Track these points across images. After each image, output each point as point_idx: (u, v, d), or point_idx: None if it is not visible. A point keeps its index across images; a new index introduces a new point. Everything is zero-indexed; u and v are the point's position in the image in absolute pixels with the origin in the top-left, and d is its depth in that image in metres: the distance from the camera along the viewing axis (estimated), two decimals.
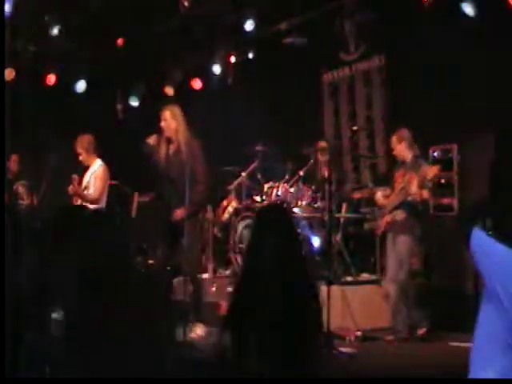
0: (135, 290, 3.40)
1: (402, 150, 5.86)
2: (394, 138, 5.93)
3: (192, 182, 5.63)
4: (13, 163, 7.53)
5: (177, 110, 5.97)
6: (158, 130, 5.92)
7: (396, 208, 5.76)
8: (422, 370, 4.43)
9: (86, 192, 6.41)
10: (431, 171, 5.46)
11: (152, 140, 5.90)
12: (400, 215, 5.71)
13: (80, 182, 6.48)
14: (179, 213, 5.71)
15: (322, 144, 7.39)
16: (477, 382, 2.38)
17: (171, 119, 5.88)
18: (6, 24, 6.75)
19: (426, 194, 5.60)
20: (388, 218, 5.79)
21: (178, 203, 5.71)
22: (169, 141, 5.88)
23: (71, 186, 6.37)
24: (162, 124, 5.89)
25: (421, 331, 5.60)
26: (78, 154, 6.55)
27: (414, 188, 5.54)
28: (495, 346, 2.35)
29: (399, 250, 5.69)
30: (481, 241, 2.36)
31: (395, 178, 5.88)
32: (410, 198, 5.65)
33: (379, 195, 6.02)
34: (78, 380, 4.53)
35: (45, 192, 7.35)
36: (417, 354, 5.16)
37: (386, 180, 7.28)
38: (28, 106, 8.51)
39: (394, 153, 5.96)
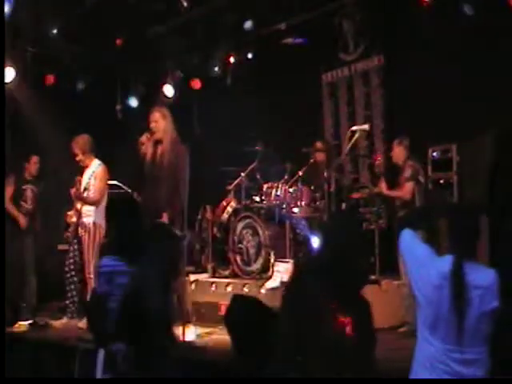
0: None
1: (396, 154, 6.09)
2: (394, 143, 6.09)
3: (175, 185, 5.67)
4: (33, 165, 7.26)
5: (166, 111, 5.98)
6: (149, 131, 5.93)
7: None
8: None
9: (86, 193, 6.40)
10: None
11: (144, 139, 5.91)
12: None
13: (80, 184, 6.47)
14: (163, 217, 5.63)
15: (320, 144, 7.40)
16: (476, 382, 2.42)
17: (161, 120, 5.88)
18: (6, 24, 6.76)
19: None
20: None
21: (160, 206, 5.69)
22: (157, 142, 5.88)
23: (74, 190, 6.36)
24: (152, 125, 5.88)
25: None
26: (75, 155, 6.53)
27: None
28: (418, 339, 2.62)
29: None
30: (408, 240, 2.68)
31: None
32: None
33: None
34: (78, 380, 4.55)
35: (44, 192, 7.34)
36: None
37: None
38: (27, 106, 8.51)
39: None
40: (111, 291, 3.58)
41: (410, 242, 2.68)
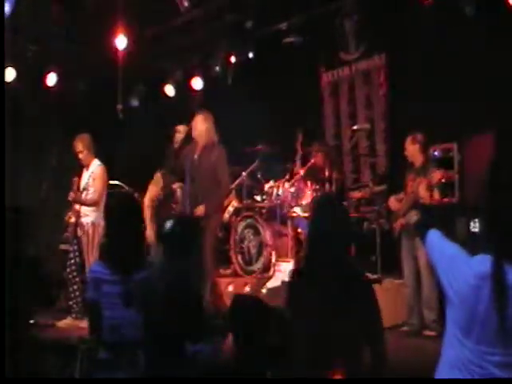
0: None
1: (414, 152, 5.91)
2: (408, 140, 5.96)
3: (214, 184, 5.96)
4: None
5: (208, 114, 6.22)
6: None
7: (408, 211, 5.82)
8: (419, 370, 4.41)
9: (85, 193, 6.39)
10: (435, 176, 5.56)
11: (181, 127, 6.17)
12: (414, 217, 5.74)
13: (78, 183, 6.46)
14: (200, 209, 5.91)
15: (317, 145, 7.38)
16: (478, 382, 2.40)
17: (201, 123, 6.14)
18: (6, 24, 6.76)
19: (436, 196, 5.68)
20: (402, 220, 5.86)
21: (197, 202, 5.94)
22: (196, 143, 6.14)
23: (71, 193, 6.36)
24: (193, 126, 6.14)
25: (429, 333, 5.64)
26: (78, 153, 6.51)
27: (422, 191, 5.62)
28: (446, 339, 2.54)
29: (416, 250, 5.78)
30: (436, 240, 2.67)
31: (407, 182, 5.93)
32: (421, 201, 5.69)
33: (392, 199, 6.08)
34: (77, 380, 4.52)
35: (46, 193, 7.33)
36: (421, 353, 5.11)
37: (386, 179, 7.31)
38: (28, 105, 8.50)
39: (406, 153, 5.99)
40: (98, 298, 3.49)
41: (439, 243, 2.65)
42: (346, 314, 2.92)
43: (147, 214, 6.40)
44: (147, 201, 6.54)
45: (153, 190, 6.57)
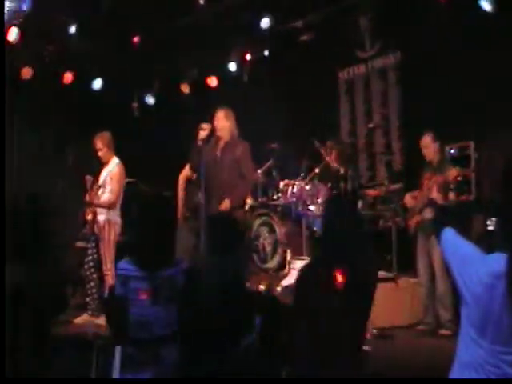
0: None
1: (431, 150, 5.89)
2: (424, 138, 5.94)
3: (238, 179, 6.05)
4: None
5: (229, 111, 6.28)
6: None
7: (424, 208, 5.81)
8: (434, 370, 4.40)
9: (101, 190, 6.42)
10: (451, 174, 5.55)
11: (205, 126, 6.09)
12: (428, 214, 5.73)
13: (96, 181, 6.49)
14: (226, 203, 5.97)
15: (330, 143, 7.36)
16: (493, 383, 2.40)
17: (223, 119, 6.20)
18: (22, 24, 6.82)
19: (452, 194, 5.67)
20: (418, 217, 5.85)
21: (221, 196, 5.99)
22: (218, 139, 6.17)
23: (87, 196, 6.39)
24: (215, 123, 6.15)
25: (445, 332, 5.61)
26: (97, 150, 6.54)
27: (434, 193, 5.62)
28: (461, 339, 2.55)
29: (431, 248, 5.77)
30: (451, 239, 2.66)
31: (423, 180, 5.92)
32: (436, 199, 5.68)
33: (408, 197, 6.08)
34: (77, 380, 4.55)
35: (63, 190, 7.37)
36: (436, 352, 5.09)
37: (401, 177, 7.29)
38: (45, 104, 8.56)
39: (423, 152, 5.97)
40: (125, 294, 3.52)
41: (454, 241, 2.64)
42: (344, 313, 2.93)
43: (180, 193, 7.13)
44: (180, 181, 7.14)
45: (186, 172, 7.07)
